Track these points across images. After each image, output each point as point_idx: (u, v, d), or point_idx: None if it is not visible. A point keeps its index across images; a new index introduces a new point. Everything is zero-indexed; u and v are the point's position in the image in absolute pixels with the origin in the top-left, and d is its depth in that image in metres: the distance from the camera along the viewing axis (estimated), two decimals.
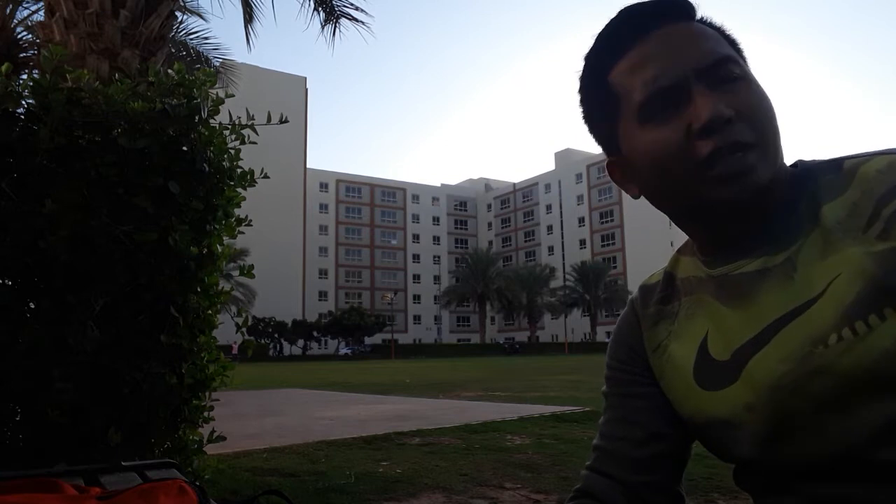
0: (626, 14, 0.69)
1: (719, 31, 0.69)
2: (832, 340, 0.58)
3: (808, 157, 0.73)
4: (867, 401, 0.57)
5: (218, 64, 11.05)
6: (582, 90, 0.75)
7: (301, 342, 65.55)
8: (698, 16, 0.69)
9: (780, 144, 0.65)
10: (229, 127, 2.40)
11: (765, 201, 0.65)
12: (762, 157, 0.62)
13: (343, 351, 64.99)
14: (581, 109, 0.76)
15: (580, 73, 0.74)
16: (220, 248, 2.43)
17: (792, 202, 0.67)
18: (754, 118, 0.63)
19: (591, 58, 0.72)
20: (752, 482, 0.71)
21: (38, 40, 5.77)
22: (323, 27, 7.86)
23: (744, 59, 0.70)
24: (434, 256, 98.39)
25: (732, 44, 0.69)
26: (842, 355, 0.58)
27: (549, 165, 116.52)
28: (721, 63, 0.64)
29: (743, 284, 0.67)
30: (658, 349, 0.77)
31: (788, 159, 0.71)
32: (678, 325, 0.76)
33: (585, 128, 0.77)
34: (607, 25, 0.70)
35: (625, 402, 0.80)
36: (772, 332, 0.64)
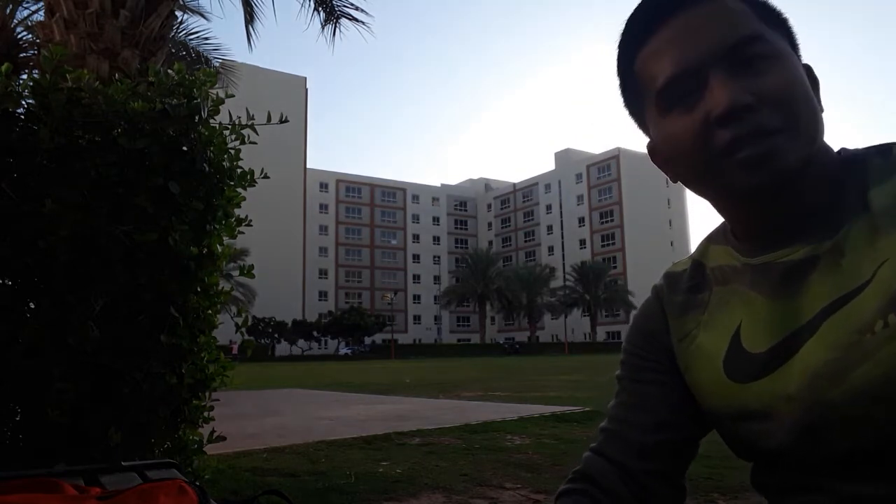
0: (648, 0, 0.67)
1: (752, 4, 0.65)
2: (878, 328, 0.56)
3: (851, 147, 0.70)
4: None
5: (218, 64, 11.06)
6: (617, 77, 0.73)
7: (301, 342, 65.54)
8: None
9: (816, 126, 0.62)
10: (229, 127, 2.40)
11: (799, 186, 0.62)
12: (790, 141, 0.60)
13: (343, 351, 65.01)
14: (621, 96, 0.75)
15: (616, 60, 0.73)
16: (220, 248, 2.43)
17: (838, 188, 0.64)
18: (781, 101, 0.60)
19: (620, 45, 0.71)
20: (774, 480, 0.69)
21: (38, 40, 5.77)
22: (323, 27, 7.87)
23: (785, 31, 0.66)
24: (434, 256, 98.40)
25: (768, 16, 0.65)
26: (887, 342, 0.56)
27: (549, 165, 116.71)
28: (742, 44, 0.61)
29: (788, 273, 0.65)
30: (685, 339, 0.75)
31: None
32: (708, 316, 0.73)
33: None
34: (634, 10, 0.68)
35: (638, 388, 0.78)
36: (819, 320, 0.61)
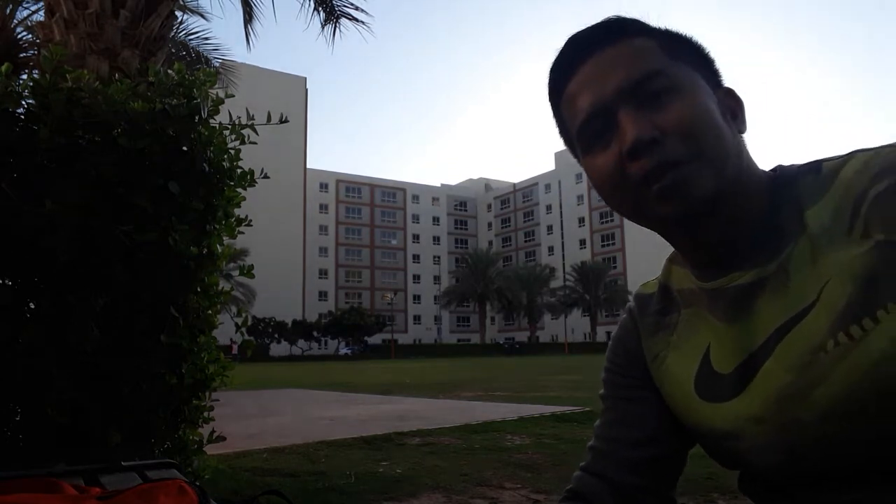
0: (567, 45, 0.69)
1: (661, 39, 0.67)
2: (830, 346, 0.58)
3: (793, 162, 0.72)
4: (870, 404, 0.57)
5: (218, 64, 11.05)
6: (553, 118, 0.76)
7: (301, 342, 65.52)
8: (648, 25, 0.68)
9: (726, 150, 0.63)
10: (229, 127, 2.40)
11: (722, 212, 0.64)
12: (698, 170, 0.61)
13: (343, 351, 65.00)
14: None
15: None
16: (220, 248, 2.42)
17: (775, 209, 0.66)
18: (684, 132, 0.62)
19: (547, 90, 0.73)
20: (757, 489, 0.71)
21: (38, 40, 5.77)
22: (323, 27, 7.87)
23: (699, 61, 0.68)
24: (434, 256, 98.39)
25: (678, 49, 0.67)
26: (840, 361, 0.58)
27: (549, 165, 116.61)
28: (646, 80, 0.63)
29: (739, 298, 0.67)
30: (656, 359, 0.77)
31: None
32: (677, 337, 0.75)
33: None
34: (556, 57, 0.70)
35: (623, 405, 0.80)
36: (773, 342, 0.63)
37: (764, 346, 0.64)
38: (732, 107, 0.68)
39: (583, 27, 0.69)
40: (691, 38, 0.69)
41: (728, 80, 0.71)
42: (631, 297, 0.85)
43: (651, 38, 0.67)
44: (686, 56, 0.67)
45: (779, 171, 0.70)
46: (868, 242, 0.59)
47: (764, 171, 0.69)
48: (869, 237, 0.59)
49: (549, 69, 0.71)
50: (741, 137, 0.67)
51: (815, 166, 0.66)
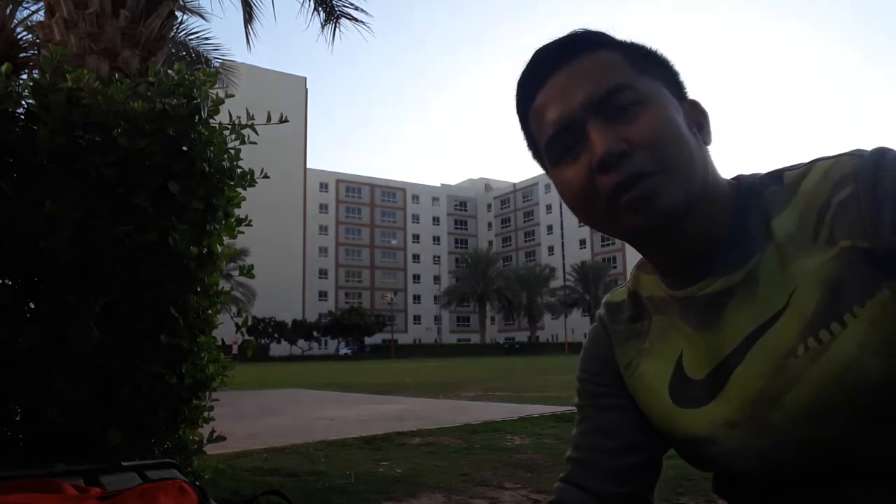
0: (533, 58, 0.69)
1: (627, 52, 0.68)
2: (800, 351, 0.60)
3: (748, 172, 0.73)
4: (840, 407, 0.59)
5: (218, 64, 11.05)
6: (521, 130, 0.76)
7: (301, 342, 65.52)
8: (614, 38, 0.68)
9: (692, 163, 0.64)
10: (229, 127, 2.40)
11: (690, 222, 0.65)
12: (668, 182, 0.62)
13: (343, 351, 64.99)
14: None
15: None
16: (220, 248, 2.42)
17: (742, 218, 0.67)
18: (652, 144, 0.62)
19: (515, 102, 0.73)
20: (730, 490, 0.73)
21: (38, 40, 5.77)
22: (323, 27, 7.87)
23: (665, 73, 0.69)
24: (434, 256, 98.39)
25: (644, 62, 0.68)
26: (810, 365, 0.59)
27: None
28: (612, 93, 0.64)
29: (709, 305, 0.68)
30: (629, 367, 0.78)
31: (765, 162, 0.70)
32: (649, 344, 0.76)
33: None
34: (523, 70, 0.70)
35: (599, 414, 0.80)
36: (745, 348, 0.65)
37: (735, 353, 0.65)
38: (698, 119, 0.69)
39: (548, 40, 0.69)
40: (656, 51, 0.70)
41: (692, 92, 0.72)
42: (602, 305, 0.85)
43: (617, 50, 0.68)
44: (651, 69, 0.68)
45: (741, 180, 0.71)
46: (833, 249, 0.60)
47: (728, 181, 0.70)
48: (834, 244, 0.60)
49: (516, 82, 0.72)
50: (706, 149, 0.68)
51: (777, 176, 0.68)
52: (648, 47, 0.70)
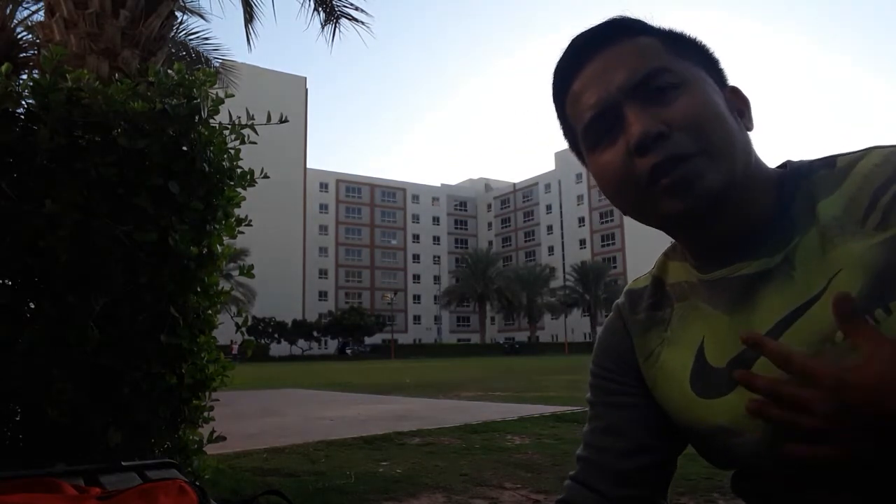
0: (571, 45, 0.69)
1: (665, 38, 0.67)
2: (839, 338, 0.57)
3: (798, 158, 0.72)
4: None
5: (218, 64, 11.04)
6: (557, 119, 0.76)
7: (301, 342, 65.51)
8: (651, 25, 0.68)
9: (733, 144, 0.63)
10: (229, 127, 2.40)
11: (730, 205, 0.63)
12: (709, 164, 0.61)
13: (343, 351, 64.98)
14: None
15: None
16: (220, 248, 2.42)
17: (784, 201, 0.66)
18: (691, 126, 0.62)
19: (552, 91, 0.73)
20: (750, 489, 0.70)
21: (38, 40, 5.77)
22: (323, 27, 7.87)
23: (703, 59, 0.68)
24: (434, 256, 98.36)
25: (681, 47, 0.67)
26: (851, 352, 0.56)
27: (549, 165, 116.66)
28: (651, 76, 0.64)
29: (743, 288, 0.66)
30: (650, 357, 0.75)
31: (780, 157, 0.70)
32: (671, 332, 0.74)
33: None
34: (560, 56, 0.70)
35: (611, 412, 0.78)
36: (777, 332, 0.62)
37: (769, 335, 0.62)
38: (739, 105, 0.68)
39: (586, 27, 0.69)
40: (695, 38, 0.69)
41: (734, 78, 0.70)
42: (622, 294, 0.83)
43: (655, 37, 0.67)
44: (691, 55, 0.67)
45: (789, 165, 0.69)
46: (884, 234, 0.58)
47: (772, 169, 0.69)
48: (888, 228, 0.58)
49: (553, 68, 0.71)
50: (748, 135, 0.67)
51: (830, 161, 0.66)
52: (687, 35, 0.69)
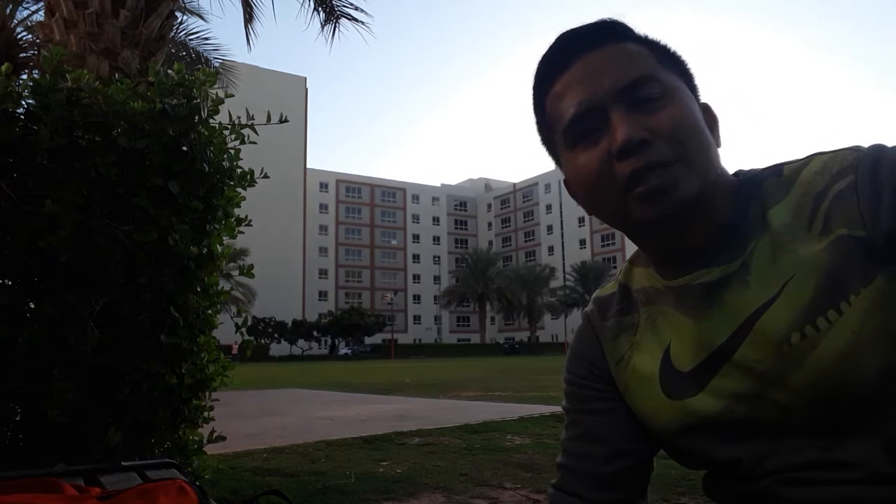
0: (558, 42, 0.70)
1: (651, 47, 0.69)
2: (795, 339, 0.61)
3: (747, 167, 0.74)
4: (836, 396, 0.59)
5: (218, 64, 11.05)
6: (533, 115, 0.76)
7: (301, 342, 65.52)
8: (638, 33, 0.70)
9: (709, 157, 0.66)
10: (229, 127, 2.40)
11: (699, 213, 0.65)
12: (685, 173, 0.63)
13: (343, 351, 64.98)
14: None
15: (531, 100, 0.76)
16: (220, 248, 2.42)
17: (741, 209, 0.68)
18: (674, 136, 0.63)
19: (532, 86, 0.74)
20: (721, 488, 0.72)
21: (38, 40, 5.77)
22: (323, 27, 7.87)
23: (682, 72, 0.70)
24: (434, 256, 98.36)
25: (666, 58, 0.69)
26: (807, 351, 0.60)
27: (549, 165, 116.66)
28: (638, 83, 0.65)
29: (705, 294, 0.68)
30: (621, 362, 0.77)
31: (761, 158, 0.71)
32: (640, 337, 0.76)
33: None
34: (545, 52, 0.71)
35: (587, 418, 0.79)
36: (739, 337, 0.65)
37: (731, 339, 0.65)
38: (709, 122, 0.70)
39: (575, 25, 0.70)
40: (676, 52, 0.71)
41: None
42: (591, 301, 0.85)
43: (641, 44, 0.69)
44: (673, 67, 0.69)
45: (741, 174, 0.72)
46: (828, 238, 0.61)
47: (731, 176, 0.71)
48: (830, 233, 0.61)
49: (538, 62, 0.72)
50: (717, 147, 0.69)
51: (777, 169, 0.69)
52: (669, 47, 0.71)
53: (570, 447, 0.80)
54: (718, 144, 0.69)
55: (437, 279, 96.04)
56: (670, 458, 0.76)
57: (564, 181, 0.75)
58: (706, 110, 0.71)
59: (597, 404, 0.79)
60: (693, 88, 0.71)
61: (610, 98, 0.65)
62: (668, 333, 0.72)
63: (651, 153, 0.62)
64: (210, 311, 2.42)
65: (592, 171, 0.66)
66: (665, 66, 0.68)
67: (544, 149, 0.77)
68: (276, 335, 62.08)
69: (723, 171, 0.69)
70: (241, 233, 2.50)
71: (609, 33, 0.68)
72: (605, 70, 0.66)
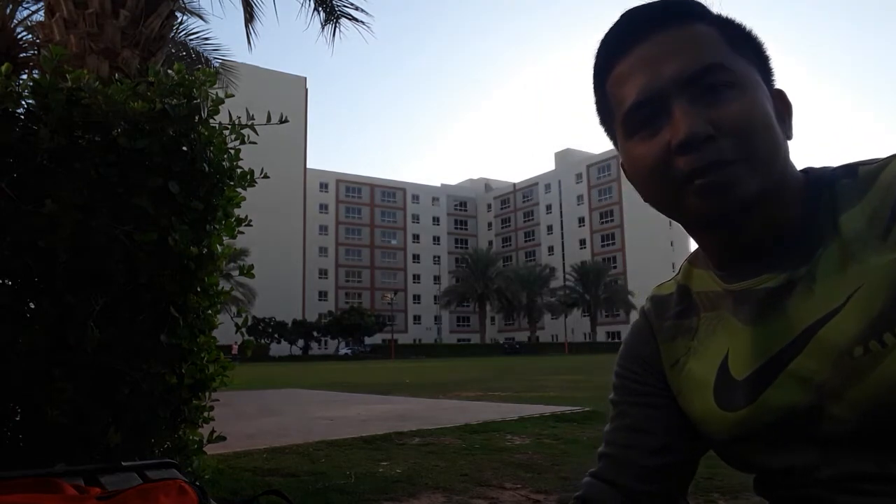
0: (624, 19, 0.66)
1: (723, 28, 0.64)
2: (858, 352, 0.57)
3: (816, 165, 0.70)
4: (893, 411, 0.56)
5: (218, 64, 11.05)
6: (593, 94, 0.73)
7: (301, 342, 65.53)
8: (710, 11, 0.65)
9: (775, 155, 0.62)
10: (229, 127, 2.40)
11: (760, 214, 0.62)
12: (748, 171, 0.59)
13: (343, 351, 64.98)
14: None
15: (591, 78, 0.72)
16: (220, 248, 2.43)
17: (809, 212, 0.64)
18: (740, 132, 0.60)
19: (594, 64, 0.70)
20: (778, 491, 0.70)
21: (38, 40, 5.77)
22: (323, 27, 7.87)
23: (756, 55, 0.65)
24: (434, 256, 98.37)
25: (738, 40, 0.65)
26: (870, 367, 0.56)
27: (549, 165, 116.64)
28: (705, 72, 0.61)
29: (767, 300, 0.64)
30: (676, 365, 0.75)
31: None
32: (697, 342, 0.73)
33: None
34: (609, 30, 0.67)
35: (636, 411, 0.77)
36: (798, 346, 0.62)
37: (789, 348, 0.62)
38: (781, 110, 0.66)
39: (641, 3, 0.66)
40: (751, 32, 0.67)
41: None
42: (647, 300, 0.82)
43: (712, 25, 0.64)
44: (746, 50, 0.65)
45: (810, 172, 0.68)
46: None
47: (800, 174, 0.67)
48: None
49: (600, 42, 0.68)
50: (787, 142, 0.65)
51: (852, 169, 0.65)
52: (744, 27, 0.66)
53: (616, 437, 0.78)
54: (789, 137, 0.65)
55: (437, 279, 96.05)
56: (720, 459, 0.74)
57: (622, 165, 0.72)
58: (779, 97, 0.66)
59: (647, 398, 0.77)
60: (767, 72, 0.66)
61: (673, 87, 0.61)
62: (726, 341, 0.69)
63: (713, 151, 0.59)
64: (210, 311, 2.43)
65: (650, 163, 0.63)
66: (737, 50, 0.63)
67: (603, 128, 0.73)
68: (276, 335, 62.08)
69: (791, 169, 0.65)
70: (241, 233, 2.50)
71: (679, 12, 0.64)
72: (670, 56, 0.62)
